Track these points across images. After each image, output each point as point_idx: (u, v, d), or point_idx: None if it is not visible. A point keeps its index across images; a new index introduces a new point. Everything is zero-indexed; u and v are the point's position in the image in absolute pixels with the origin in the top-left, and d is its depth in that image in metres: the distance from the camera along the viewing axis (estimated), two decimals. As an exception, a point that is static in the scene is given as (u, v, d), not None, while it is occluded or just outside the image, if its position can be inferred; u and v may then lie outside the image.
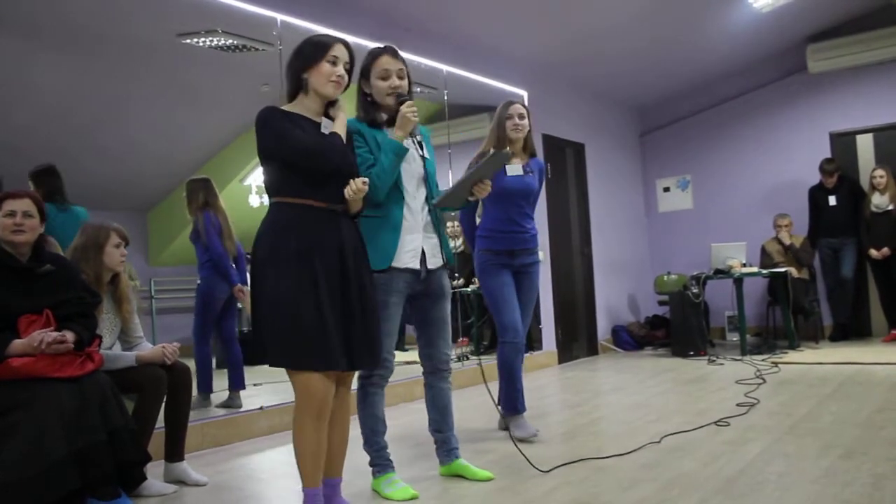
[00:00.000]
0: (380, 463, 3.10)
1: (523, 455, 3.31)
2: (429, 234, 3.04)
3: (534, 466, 3.23)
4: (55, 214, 4.50)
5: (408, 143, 2.95)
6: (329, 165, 2.56)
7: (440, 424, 3.27)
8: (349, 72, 2.66)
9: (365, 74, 3.00)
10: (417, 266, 2.99)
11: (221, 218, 4.93)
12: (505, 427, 4.02)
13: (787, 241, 7.45)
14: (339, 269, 2.55)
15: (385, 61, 2.97)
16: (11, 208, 2.95)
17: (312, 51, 2.59)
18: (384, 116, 3.01)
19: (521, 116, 3.93)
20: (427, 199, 3.04)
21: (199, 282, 4.97)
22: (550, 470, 3.22)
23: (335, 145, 2.62)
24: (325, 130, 2.64)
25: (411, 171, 2.99)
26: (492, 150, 3.28)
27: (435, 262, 3.05)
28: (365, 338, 2.60)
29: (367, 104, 3.01)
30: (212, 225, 4.86)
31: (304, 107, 2.63)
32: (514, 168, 3.95)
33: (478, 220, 4.13)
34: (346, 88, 2.69)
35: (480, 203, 4.02)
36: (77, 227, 4.67)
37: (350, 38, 5.22)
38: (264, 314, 2.49)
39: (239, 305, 5.23)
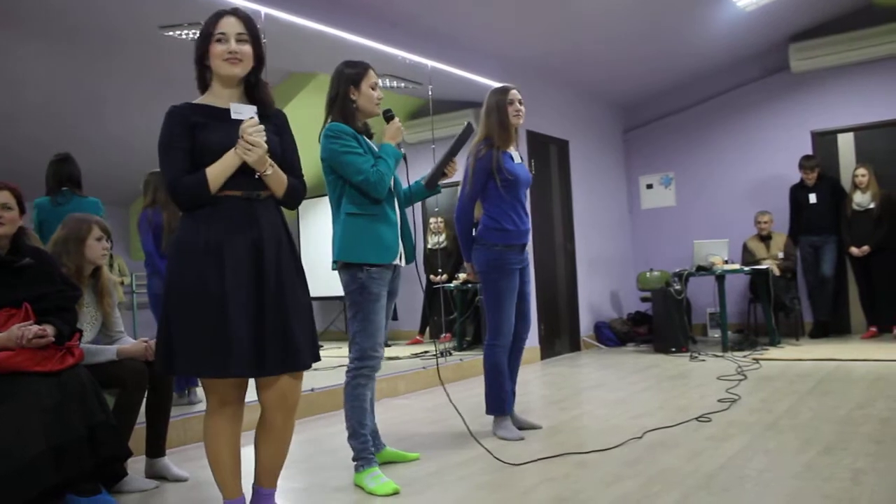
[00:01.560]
0: (364, 457, 3.13)
1: (490, 453, 3.38)
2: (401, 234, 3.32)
3: (500, 461, 3.28)
4: (49, 210, 4.55)
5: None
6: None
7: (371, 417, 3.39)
8: (254, 41, 2.40)
9: (355, 83, 3.22)
10: (399, 263, 3.28)
11: (168, 215, 4.76)
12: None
13: (779, 268, 7.42)
14: (254, 262, 2.34)
15: (373, 75, 3.27)
16: None
17: (203, 35, 2.39)
18: (361, 124, 3.25)
19: (520, 102, 3.89)
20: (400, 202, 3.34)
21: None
22: (522, 463, 3.24)
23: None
24: (235, 116, 2.39)
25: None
26: (467, 123, 3.31)
27: (403, 260, 3.32)
28: (281, 339, 2.34)
29: (352, 111, 3.21)
30: (148, 222, 4.77)
31: (215, 95, 2.43)
32: (517, 156, 3.93)
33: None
34: (262, 62, 2.46)
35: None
36: None
37: (336, 33, 5.26)
38: (167, 314, 2.32)
39: None
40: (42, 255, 3.07)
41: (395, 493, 2.95)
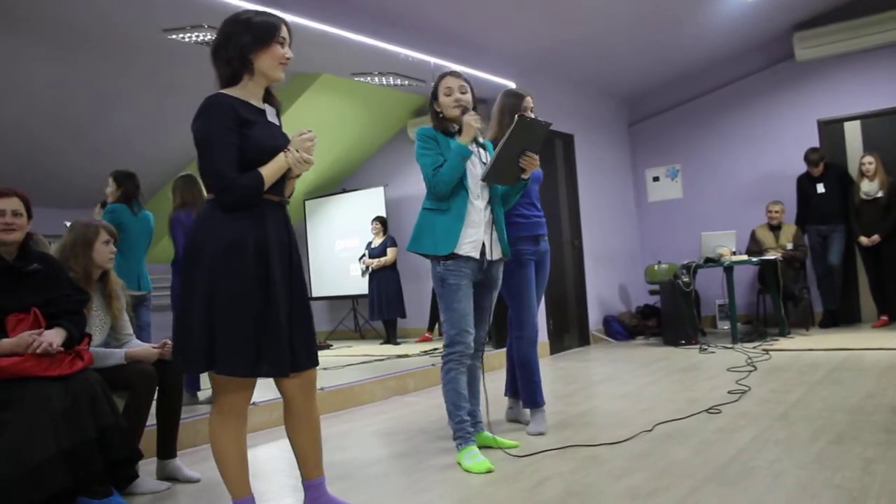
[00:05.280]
0: (461, 436, 3.33)
1: (501, 448, 3.42)
2: (490, 230, 3.44)
3: (507, 453, 3.34)
4: (130, 217, 4.94)
5: (474, 151, 3.40)
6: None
7: (469, 398, 3.53)
8: None
9: (434, 95, 3.46)
10: (477, 256, 3.37)
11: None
12: (512, 418, 4.13)
13: (785, 257, 7.37)
14: (287, 263, 2.46)
15: (447, 81, 3.44)
16: (1, 207, 2.94)
17: (261, 32, 2.42)
18: (455, 127, 3.44)
19: (532, 110, 3.96)
20: (490, 200, 3.45)
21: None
22: (525, 455, 3.25)
23: (283, 136, 2.50)
24: (272, 119, 2.52)
25: (476, 174, 3.40)
26: (517, 117, 3.33)
27: (494, 254, 3.45)
28: (307, 336, 2.48)
29: (439, 119, 3.45)
30: (180, 224, 4.83)
31: (248, 91, 2.46)
32: None
33: None
34: None
35: None
36: (148, 233, 4.99)
37: (339, 32, 5.26)
38: (209, 313, 2.31)
39: None
40: (50, 261, 3.09)
41: (489, 471, 3.12)
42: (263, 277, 2.36)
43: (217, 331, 2.31)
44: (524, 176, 3.47)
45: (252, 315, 2.33)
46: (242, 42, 2.40)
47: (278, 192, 2.47)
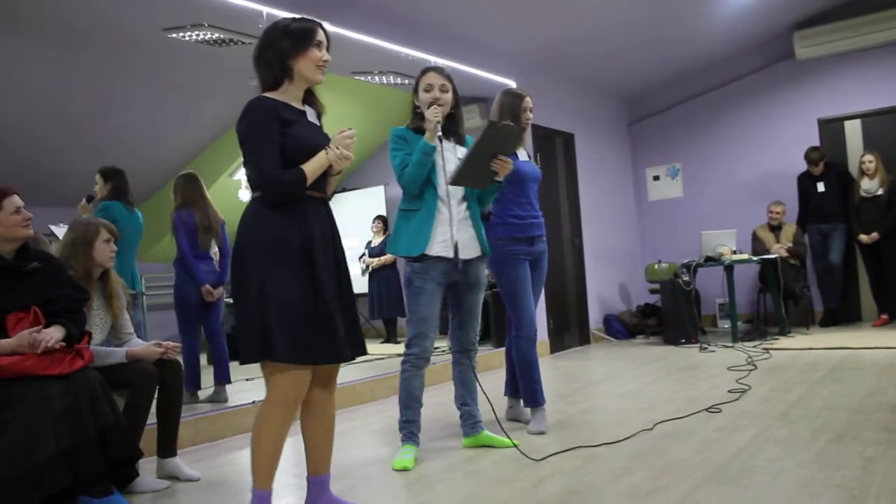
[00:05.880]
0: (402, 433, 3.45)
1: (516, 446, 3.39)
2: (465, 228, 3.41)
3: (525, 455, 3.28)
4: (125, 214, 4.84)
5: (449, 146, 3.36)
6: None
7: (466, 398, 3.62)
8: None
9: (415, 89, 3.43)
10: (450, 255, 3.31)
11: (199, 214, 4.87)
12: (512, 417, 4.14)
13: (785, 251, 7.40)
14: (333, 258, 2.53)
15: (429, 77, 3.40)
16: (16, 204, 2.97)
17: (298, 37, 2.49)
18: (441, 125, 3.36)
19: (531, 110, 3.98)
20: (464, 197, 3.43)
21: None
22: (542, 459, 3.24)
23: (323, 136, 2.58)
24: (312, 119, 2.61)
25: (449, 170, 3.31)
26: (488, 122, 3.31)
27: (469, 252, 3.40)
28: (351, 328, 2.55)
29: (417, 114, 3.43)
30: (182, 223, 4.83)
31: (289, 95, 2.54)
32: (522, 154, 4.02)
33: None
34: None
35: None
36: (139, 231, 4.95)
37: (337, 31, 5.25)
38: (268, 311, 2.36)
39: (228, 300, 5.20)
40: (50, 260, 3.09)
41: (404, 468, 3.23)
42: (310, 272, 2.43)
43: (271, 325, 2.36)
44: (498, 178, 3.39)
45: (301, 308, 2.39)
46: (282, 48, 2.49)
47: (320, 188, 2.55)
